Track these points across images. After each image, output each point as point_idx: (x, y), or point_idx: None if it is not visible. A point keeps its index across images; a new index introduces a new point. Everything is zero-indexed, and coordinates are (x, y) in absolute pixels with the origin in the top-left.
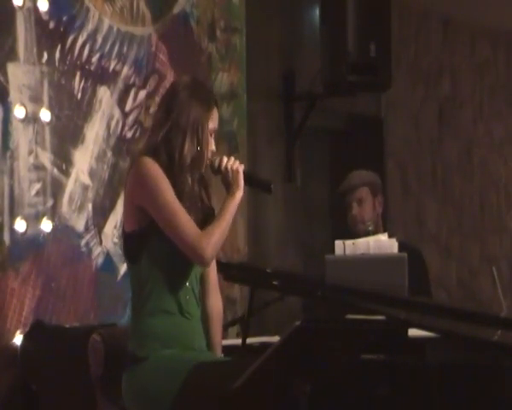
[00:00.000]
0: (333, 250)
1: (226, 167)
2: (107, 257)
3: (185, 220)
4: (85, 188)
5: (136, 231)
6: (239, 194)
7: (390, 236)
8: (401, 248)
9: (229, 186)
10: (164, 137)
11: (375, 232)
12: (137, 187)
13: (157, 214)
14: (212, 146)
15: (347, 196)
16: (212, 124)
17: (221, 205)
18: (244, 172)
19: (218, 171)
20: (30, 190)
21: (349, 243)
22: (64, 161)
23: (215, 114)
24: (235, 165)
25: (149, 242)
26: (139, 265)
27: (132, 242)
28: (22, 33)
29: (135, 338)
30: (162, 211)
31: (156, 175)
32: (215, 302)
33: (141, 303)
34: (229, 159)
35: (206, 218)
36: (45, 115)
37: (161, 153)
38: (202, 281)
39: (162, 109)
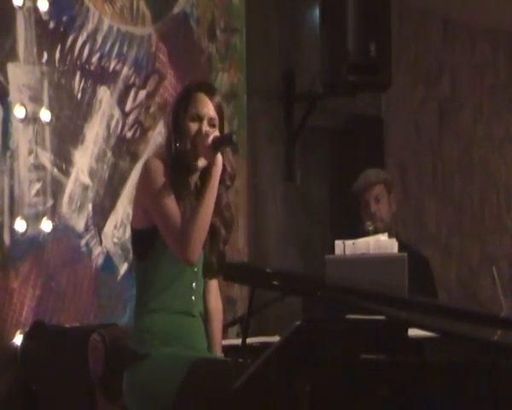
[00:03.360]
0: (333, 250)
1: (199, 147)
2: (107, 257)
3: (172, 221)
4: (85, 188)
5: (143, 229)
6: (214, 172)
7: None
8: (409, 253)
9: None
10: (165, 142)
11: (387, 231)
12: (139, 187)
13: (152, 213)
14: (206, 129)
15: (364, 194)
16: (192, 111)
17: (199, 195)
18: (213, 141)
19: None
20: (30, 190)
21: (349, 242)
22: (64, 160)
23: (192, 102)
24: (204, 140)
25: (156, 240)
26: (146, 261)
27: (140, 238)
28: (22, 33)
29: (136, 335)
30: (154, 211)
31: (154, 176)
32: (215, 302)
33: (145, 300)
34: (202, 137)
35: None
36: (45, 115)
37: (166, 156)
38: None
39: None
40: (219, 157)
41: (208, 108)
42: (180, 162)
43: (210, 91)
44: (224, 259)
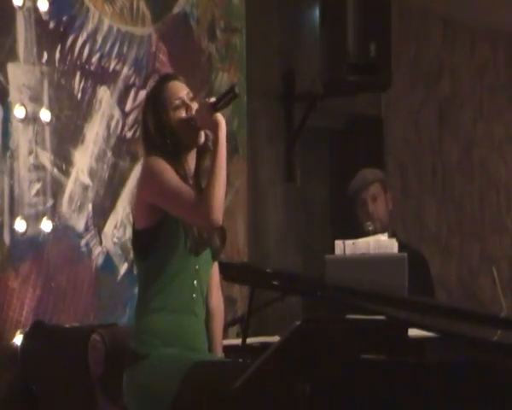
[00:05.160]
0: (333, 250)
1: (196, 119)
2: (107, 257)
3: (184, 196)
4: (85, 188)
5: (146, 229)
6: (220, 132)
7: (390, 236)
8: (406, 251)
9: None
10: (145, 142)
11: (385, 230)
12: (146, 185)
13: (164, 202)
14: (191, 109)
15: (361, 193)
16: (171, 100)
17: (211, 157)
18: (212, 104)
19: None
20: (30, 190)
21: (349, 242)
22: (64, 161)
23: (168, 92)
24: (201, 111)
25: (158, 239)
26: (147, 261)
27: (142, 238)
28: (22, 33)
29: (136, 335)
30: (167, 196)
31: (160, 168)
32: (217, 302)
33: (146, 299)
34: (197, 109)
35: None
36: (45, 115)
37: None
38: None
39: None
40: (220, 117)
41: (183, 87)
42: (177, 151)
43: (176, 76)
44: (224, 229)
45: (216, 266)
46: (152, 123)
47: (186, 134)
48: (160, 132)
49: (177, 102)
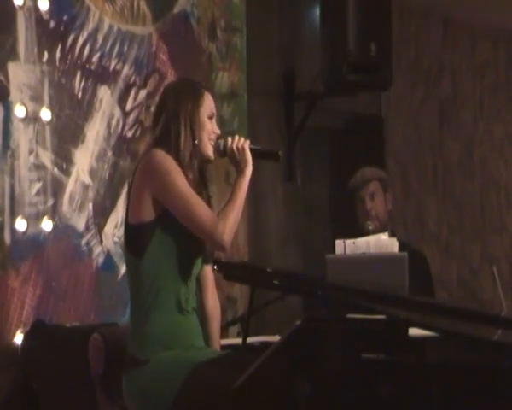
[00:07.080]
0: (333, 250)
1: (231, 148)
2: (108, 256)
3: (200, 208)
4: (86, 187)
5: (141, 225)
6: (248, 170)
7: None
8: (406, 250)
9: (237, 165)
10: (163, 134)
11: (384, 230)
12: (151, 179)
13: (172, 205)
14: (216, 129)
15: (360, 191)
16: (207, 109)
17: (233, 185)
18: (250, 148)
19: (225, 152)
20: (30, 189)
21: (349, 242)
22: (64, 160)
23: (207, 100)
24: (240, 143)
25: (154, 236)
26: (142, 259)
27: (137, 235)
28: (23, 33)
29: (135, 341)
30: (177, 201)
31: (169, 166)
32: (213, 301)
33: (141, 302)
34: (233, 139)
35: None
36: (46, 115)
37: (165, 148)
38: (199, 280)
39: (157, 111)
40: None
41: (214, 105)
42: (196, 156)
43: (208, 90)
44: None
45: (210, 268)
46: (190, 113)
47: (209, 145)
48: (192, 130)
49: (211, 112)
